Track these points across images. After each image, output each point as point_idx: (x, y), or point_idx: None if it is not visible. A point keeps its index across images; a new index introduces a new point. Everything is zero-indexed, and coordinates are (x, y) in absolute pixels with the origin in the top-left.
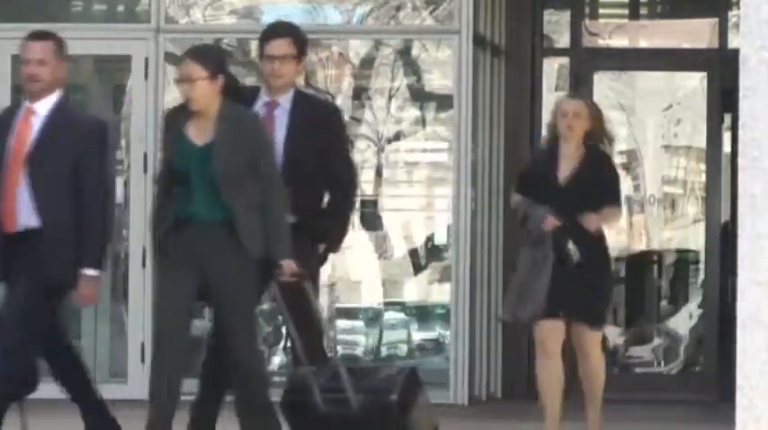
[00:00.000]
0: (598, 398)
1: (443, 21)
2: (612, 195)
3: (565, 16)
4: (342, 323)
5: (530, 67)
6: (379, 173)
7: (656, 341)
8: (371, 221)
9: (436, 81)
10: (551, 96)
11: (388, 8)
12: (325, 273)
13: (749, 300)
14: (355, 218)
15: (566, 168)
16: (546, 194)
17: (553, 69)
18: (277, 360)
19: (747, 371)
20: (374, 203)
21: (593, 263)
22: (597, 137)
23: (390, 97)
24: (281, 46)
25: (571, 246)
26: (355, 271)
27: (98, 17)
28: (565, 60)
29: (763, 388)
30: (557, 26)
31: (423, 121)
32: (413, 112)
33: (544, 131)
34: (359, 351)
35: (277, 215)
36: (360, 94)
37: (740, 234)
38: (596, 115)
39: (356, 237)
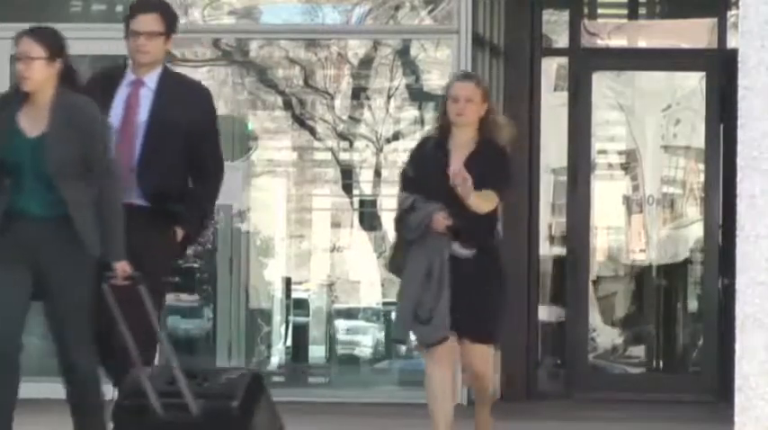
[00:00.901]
0: (486, 420)
1: (442, 21)
2: (496, 180)
3: (564, 16)
4: (341, 323)
5: (528, 66)
6: (377, 173)
7: (655, 341)
8: (370, 221)
9: (435, 81)
10: (550, 96)
11: (386, 8)
12: (325, 272)
13: (748, 300)
14: (354, 218)
15: (457, 160)
16: (435, 190)
17: (552, 69)
18: (276, 360)
19: (746, 371)
20: (373, 203)
21: (486, 272)
22: (491, 124)
23: (389, 97)
24: (147, 21)
25: (463, 250)
26: (354, 271)
27: (98, 17)
28: (564, 60)
29: (762, 388)
30: (555, 26)
31: (421, 121)
32: (412, 112)
33: (543, 130)
34: (358, 351)
35: (110, 213)
36: (358, 94)
37: (739, 234)
38: (489, 100)
39: (355, 237)
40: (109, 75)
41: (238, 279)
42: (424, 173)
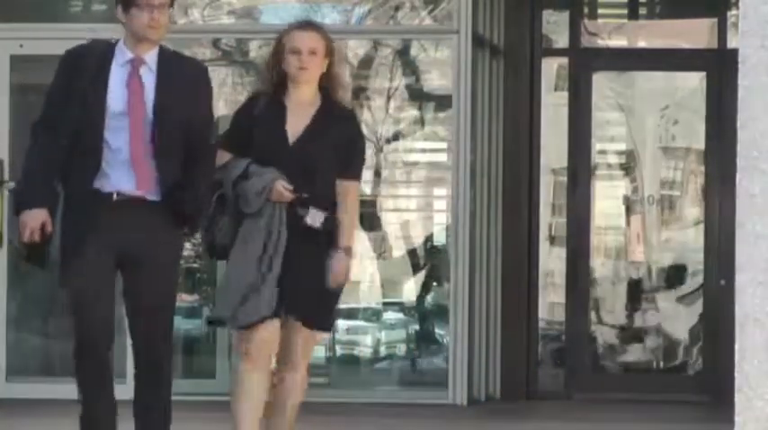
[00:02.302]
0: (292, 420)
1: (442, 21)
2: (351, 166)
3: (564, 16)
4: (341, 323)
5: (528, 67)
6: (377, 173)
7: (655, 341)
8: (370, 221)
9: (435, 81)
10: (550, 96)
11: (386, 8)
12: None
13: (748, 300)
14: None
15: (297, 121)
16: (274, 154)
17: (552, 69)
18: (276, 360)
19: (746, 371)
20: (373, 204)
21: (327, 251)
22: (334, 82)
23: (389, 97)
24: None
25: (316, 211)
26: (354, 271)
27: (97, 17)
28: (564, 60)
29: (762, 388)
30: (556, 26)
31: (421, 122)
32: (411, 113)
33: (543, 131)
34: (358, 351)
35: None
36: (358, 95)
37: (739, 234)
38: (334, 53)
39: (355, 237)
40: (96, 53)
41: None
42: (259, 133)
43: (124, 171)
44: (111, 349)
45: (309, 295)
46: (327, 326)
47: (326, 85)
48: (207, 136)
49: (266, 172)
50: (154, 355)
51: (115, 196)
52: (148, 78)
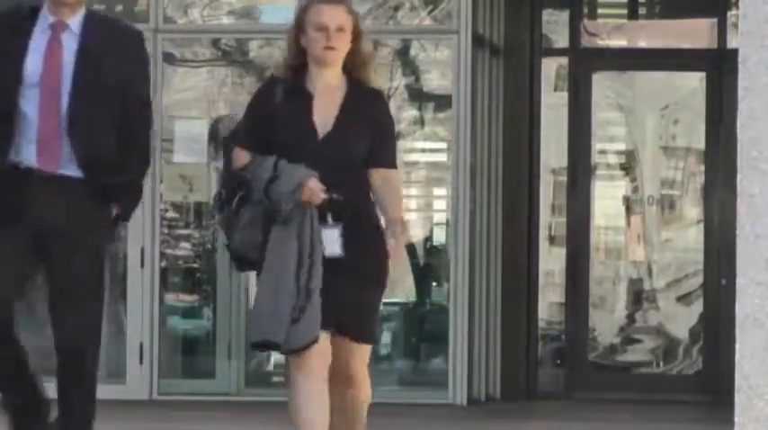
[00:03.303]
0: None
1: (442, 20)
2: (390, 153)
3: (563, 16)
4: None
5: (528, 67)
6: None
7: (656, 341)
8: None
9: (435, 81)
10: (550, 96)
11: (386, 8)
12: None
13: (748, 300)
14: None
15: (325, 109)
16: (301, 149)
17: (552, 69)
18: (276, 360)
19: (746, 371)
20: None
21: (366, 257)
22: (361, 60)
23: (389, 97)
24: None
25: (328, 231)
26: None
27: None
28: (564, 60)
29: (762, 388)
30: (555, 26)
31: (421, 121)
32: (411, 112)
33: (543, 131)
34: None
35: None
36: None
37: (739, 234)
38: (360, 28)
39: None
40: (16, 16)
41: (238, 279)
42: (283, 127)
43: (35, 145)
44: (13, 329)
45: (357, 308)
46: (374, 337)
47: (352, 64)
48: (141, 110)
49: (297, 169)
50: (75, 351)
51: (28, 171)
52: (70, 45)
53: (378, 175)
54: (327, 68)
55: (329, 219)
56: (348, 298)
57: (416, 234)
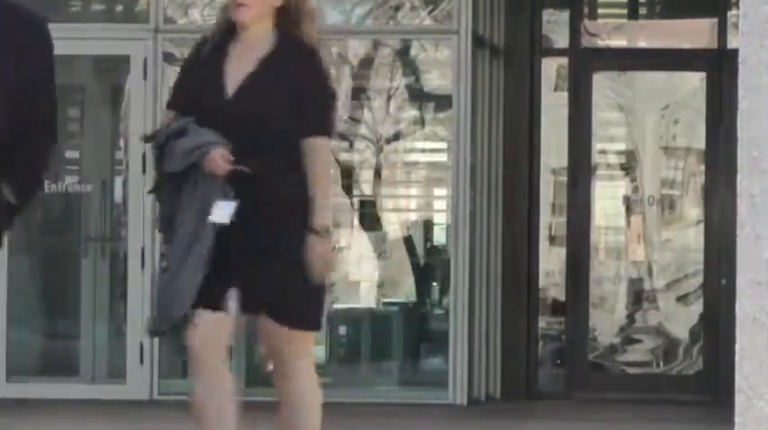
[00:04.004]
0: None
1: (442, 21)
2: (318, 117)
3: (564, 16)
4: (341, 323)
5: (528, 67)
6: (377, 173)
7: (656, 341)
8: (370, 221)
9: (435, 81)
10: (550, 96)
11: (386, 8)
12: None
13: (748, 300)
14: (354, 218)
15: (240, 67)
16: (208, 109)
17: (552, 69)
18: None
19: (746, 371)
20: (373, 204)
21: (292, 237)
22: (293, 14)
23: (389, 97)
24: None
25: (227, 204)
26: (354, 271)
27: (97, 17)
28: (564, 60)
29: (762, 388)
30: (555, 26)
31: (421, 122)
32: (411, 113)
33: (543, 131)
34: (358, 351)
35: None
36: (358, 95)
37: (739, 234)
38: None
39: (355, 237)
40: None
41: None
42: (199, 85)
43: None
44: None
45: (285, 291)
46: (315, 324)
47: (284, 21)
48: (39, 104)
49: (207, 133)
50: None
51: None
52: None
53: (304, 145)
54: (249, 26)
55: (228, 192)
56: (272, 279)
57: (416, 234)
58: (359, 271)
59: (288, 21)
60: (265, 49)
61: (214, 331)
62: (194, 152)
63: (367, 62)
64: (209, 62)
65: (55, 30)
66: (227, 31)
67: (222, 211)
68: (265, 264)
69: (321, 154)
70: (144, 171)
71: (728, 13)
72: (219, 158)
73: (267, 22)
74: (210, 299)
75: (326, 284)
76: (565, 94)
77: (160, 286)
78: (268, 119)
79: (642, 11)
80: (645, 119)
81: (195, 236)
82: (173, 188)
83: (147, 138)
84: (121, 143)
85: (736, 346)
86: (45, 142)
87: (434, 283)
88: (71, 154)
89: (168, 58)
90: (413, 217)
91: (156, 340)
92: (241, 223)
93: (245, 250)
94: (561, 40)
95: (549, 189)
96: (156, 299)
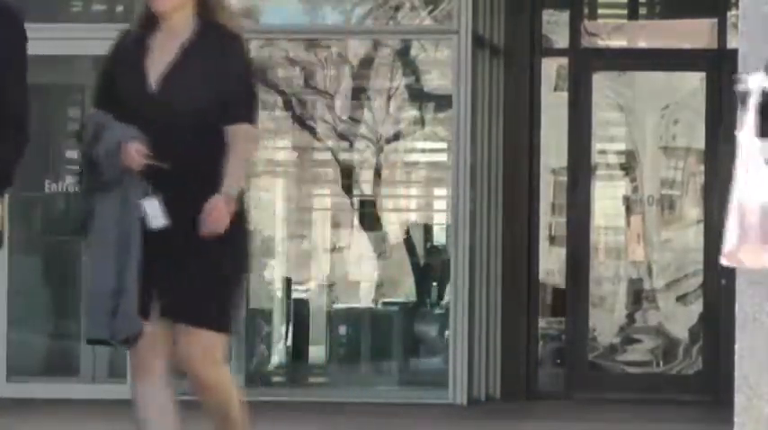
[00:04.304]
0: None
1: (442, 21)
2: (242, 105)
3: (563, 16)
4: (341, 323)
5: (528, 67)
6: (377, 173)
7: (655, 341)
8: (370, 221)
9: (435, 81)
10: (551, 96)
11: (386, 8)
12: (325, 272)
13: (748, 300)
14: (354, 218)
15: (161, 56)
16: (129, 101)
17: (552, 69)
18: (276, 360)
19: (746, 371)
20: (373, 204)
21: (196, 232)
22: (211, 5)
23: (389, 97)
24: None
25: (150, 203)
26: (354, 271)
27: (97, 17)
28: (564, 60)
29: (761, 388)
30: (555, 26)
31: (421, 122)
32: (411, 113)
33: (543, 131)
34: (358, 351)
35: None
36: (358, 95)
37: None
38: None
39: (355, 237)
40: None
41: None
42: (119, 78)
43: None
44: None
45: (193, 290)
46: (223, 324)
47: (201, 7)
48: (6, 98)
49: (120, 128)
50: None
51: None
52: None
53: (228, 132)
54: (169, 15)
55: (148, 188)
56: (179, 278)
57: (416, 234)
58: (359, 271)
59: (206, 9)
60: (186, 37)
61: (156, 345)
62: (115, 152)
63: (367, 62)
64: (130, 56)
65: (55, 30)
66: (148, 24)
67: (154, 214)
68: (178, 264)
69: (243, 137)
70: None
71: (728, 13)
72: (135, 153)
73: (187, 10)
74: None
75: (241, 288)
76: (565, 94)
77: (101, 303)
78: (191, 107)
79: (642, 11)
80: (645, 119)
81: (125, 246)
82: (96, 186)
83: (77, 138)
84: None
85: (736, 346)
86: (19, 142)
87: (434, 283)
88: (71, 154)
89: None
90: (413, 217)
91: None
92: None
93: (162, 250)
94: (561, 40)
95: (549, 189)
96: (101, 318)
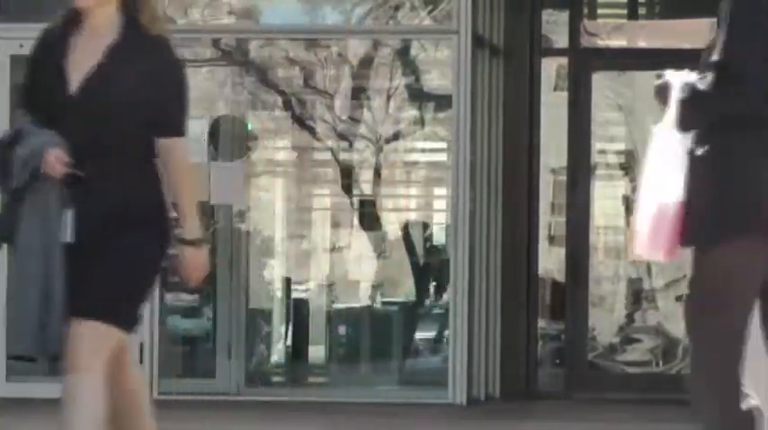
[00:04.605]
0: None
1: (442, 21)
2: (169, 116)
3: (563, 16)
4: (341, 323)
5: (528, 67)
6: (377, 173)
7: (655, 341)
8: (370, 221)
9: (435, 81)
10: (550, 96)
11: (386, 8)
12: (325, 272)
13: None
14: (354, 218)
15: (84, 57)
16: (50, 103)
17: (552, 69)
18: (276, 360)
19: (745, 371)
20: (373, 203)
21: (124, 238)
22: (138, 3)
23: (389, 97)
24: None
25: (66, 214)
26: (354, 271)
27: None
28: (563, 60)
29: (761, 388)
30: (555, 26)
31: (421, 121)
32: (411, 112)
33: (543, 131)
34: (358, 351)
35: None
36: (358, 94)
37: None
38: None
39: (355, 237)
40: None
41: (238, 279)
42: (41, 81)
43: None
44: None
45: (94, 284)
46: (125, 321)
47: (127, 5)
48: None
49: (42, 135)
50: None
51: None
52: None
53: (160, 145)
54: (91, 11)
55: (67, 198)
56: (82, 278)
57: (416, 234)
58: (359, 271)
59: (131, 8)
60: (111, 37)
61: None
62: (31, 160)
63: (367, 62)
64: (53, 55)
65: None
66: (71, 21)
67: (67, 227)
68: (88, 268)
69: (179, 156)
70: None
71: None
72: (55, 161)
73: (110, 7)
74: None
75: (146, 288)
76: (565, 94)
77: (29, 317)
78: (117, 112)
79: (642, 11)
80: (645, 119)
81: (45, 260)
82: (16, 196)
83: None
84: None
85: None
86: None
87: (434, 283)
88: None
89: None
90: (413, 216)
91: (156, 340)
92: (79, 229)
93: (78, 257)
94: (561, 39)
95: (549, 189)
96: (30, 332)
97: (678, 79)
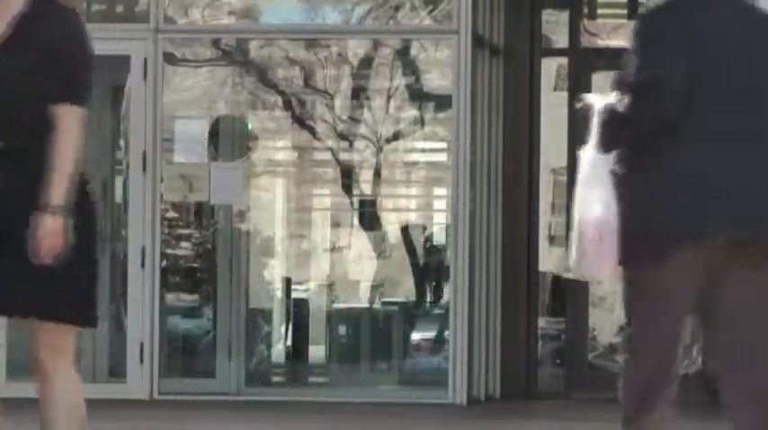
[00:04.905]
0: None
1: (442, 21)
2: (61, 83)
3: (563, 16)
4: (341, 323)
5: (528, 66)
6: (377, 173)
7: None
8: (370, 221)
9: (435, 81)
10: (550, 96)
11: (386, 8)
12: (325, 272)
13: None
14: (354, 218)
15: None
16: None
17: (552, 69)
18: (276, 360)
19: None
20: (373, 203)
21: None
22: None
23: (389, 97)
24: None
25: None
26: (354, 271)
27: (97, 17)
28: (563, 60)
29: None
30: (555, 26)
31: (421, 121)
32: (411, 112)
33: (543, 130)
34: (358, 351)
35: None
36: (358, 94)
37: None
38: None
39: (355, 237)
40: None
41: (238, 279)
42: None
43: None
44: None
45: (30, 278)
46: (72, 315)
47: None
48: None
49: None
50: None
51: None
52: None
53: (52, 114)
54: None
55: None
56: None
57: (416, 234)
58: (359, 271)
59: None
60: (18, 9)
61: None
62: None
63: (367, 62)
64: None
65: None
66: None
67: None
68: (9, 253)
69: (64, 123)
70: (144, 170)
71: None
72: None
73: None
74: None
75: (93, 277)
76: (565, 94)
77: None
78: (22, 85)
79: (642, 11)
80: None
81: None
82: None
83: None
84: (121, 143)
85: None
86: None
87: (434, 283)
88: None
89: (168, 58)
90: (413, 217)
91: (156, 340)
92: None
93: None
94: (561, 39)
95: (549, 189)
96: None
97: (598, 102)
